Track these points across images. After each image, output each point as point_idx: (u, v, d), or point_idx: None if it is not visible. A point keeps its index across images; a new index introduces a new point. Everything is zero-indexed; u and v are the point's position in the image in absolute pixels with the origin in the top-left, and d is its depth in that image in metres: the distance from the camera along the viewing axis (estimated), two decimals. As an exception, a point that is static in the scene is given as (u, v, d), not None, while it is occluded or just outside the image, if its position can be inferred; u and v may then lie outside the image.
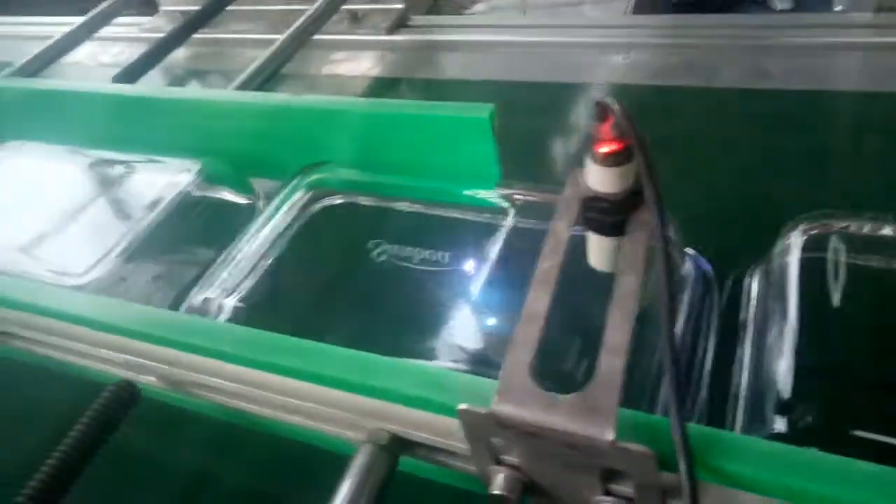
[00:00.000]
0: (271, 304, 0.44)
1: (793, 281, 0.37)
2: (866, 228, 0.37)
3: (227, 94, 0.59)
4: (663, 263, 0.28)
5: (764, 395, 0.33)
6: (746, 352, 0.37)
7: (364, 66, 0.82)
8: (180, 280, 0.51)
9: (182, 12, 0.96)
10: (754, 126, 0.60)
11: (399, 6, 0.83)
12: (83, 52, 0.95)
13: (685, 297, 0.41)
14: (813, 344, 0.33)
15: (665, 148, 0.59)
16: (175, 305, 0.46)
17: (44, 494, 0.33)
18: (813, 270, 0.37)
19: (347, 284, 0.46)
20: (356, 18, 0.85)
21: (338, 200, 0.51)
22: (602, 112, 0.31)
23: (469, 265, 0.43)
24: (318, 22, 0.75)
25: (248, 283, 0.46)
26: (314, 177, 0.52)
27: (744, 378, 0.36)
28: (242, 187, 0.58)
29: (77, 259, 0.49)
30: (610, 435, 0.25)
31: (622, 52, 0.74)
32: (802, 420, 0.30)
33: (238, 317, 0.44)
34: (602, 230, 0.34)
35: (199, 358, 0.34)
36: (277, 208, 0.50)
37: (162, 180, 0.56)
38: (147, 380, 0.38)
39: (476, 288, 0.41)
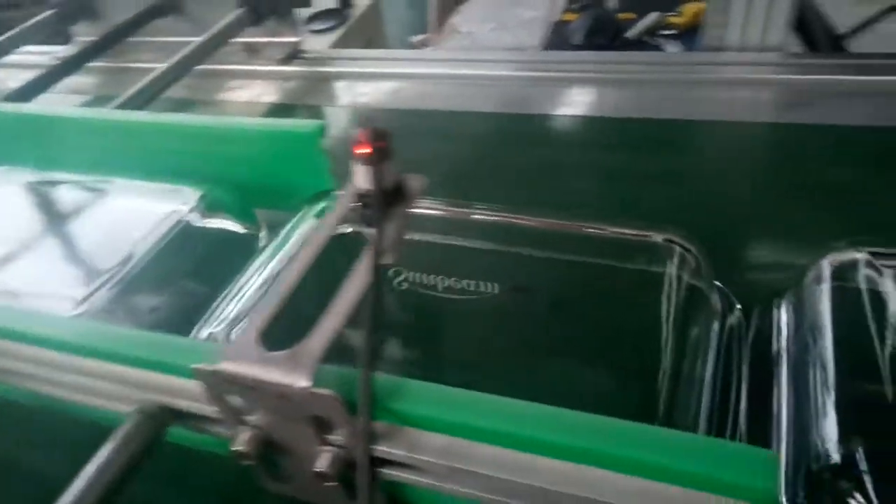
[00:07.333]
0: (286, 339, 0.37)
1: (826, 310, 0.38)
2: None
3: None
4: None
5: (811, 427, 0.33)
6: (783, 383, 0.38)
7: (256, 92, 0.86)
8: (179, 311, 0.47)
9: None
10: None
11: (294, 39, 0.88)
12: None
13: (714, 330, 0.42)
14: (859, 374, 0.34)
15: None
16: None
17: None
18: (845, 299, 0.38)
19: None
20: (253, 50, 0.89)
21: (348, 229, 0.44)
22: (364, 121, 0.35)
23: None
24: (201, 53, 0.80)
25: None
26: (321, 205, 0.51)
27: (784, 409, 0.37)
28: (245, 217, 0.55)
29: (72, 289, 0.46)
30: (304, 382, 0.28)
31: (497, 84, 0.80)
32: (857, 450, 0.31)
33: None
34: (367, 222, 0.38)
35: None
36: (286, 239, 0.49)
37: (161, 207, 0.52)
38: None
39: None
